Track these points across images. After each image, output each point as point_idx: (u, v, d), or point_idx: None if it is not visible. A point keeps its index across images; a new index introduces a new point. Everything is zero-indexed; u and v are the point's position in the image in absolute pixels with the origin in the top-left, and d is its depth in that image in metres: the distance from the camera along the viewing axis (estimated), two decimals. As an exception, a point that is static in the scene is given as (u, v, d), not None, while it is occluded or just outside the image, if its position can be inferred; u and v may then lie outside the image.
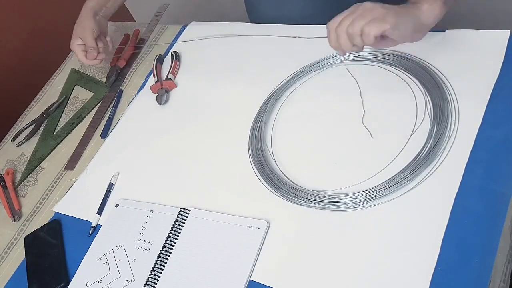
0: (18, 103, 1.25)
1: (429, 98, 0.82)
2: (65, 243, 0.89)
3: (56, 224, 0.92)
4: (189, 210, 0.83)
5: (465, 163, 0.73)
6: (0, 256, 0.93)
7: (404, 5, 0.78)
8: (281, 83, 0.95)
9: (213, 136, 0.94)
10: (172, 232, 0.82)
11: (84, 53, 1.08)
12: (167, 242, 0.81)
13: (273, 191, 0.81)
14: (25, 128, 1.15)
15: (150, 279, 0.78)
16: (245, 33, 1.10)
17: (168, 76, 1.07)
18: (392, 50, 0.90)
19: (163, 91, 1.05)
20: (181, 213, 0.83)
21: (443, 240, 0.67)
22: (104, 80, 1.18)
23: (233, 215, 0.80)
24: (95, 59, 1.09)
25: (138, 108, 1.07)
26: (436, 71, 0.85)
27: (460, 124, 0.78)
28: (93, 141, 1.05)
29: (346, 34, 0.75)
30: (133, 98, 1.10)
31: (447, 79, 0.83)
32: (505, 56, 0.82)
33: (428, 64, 0.86)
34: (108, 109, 1.10)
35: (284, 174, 0.83)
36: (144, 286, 0.77)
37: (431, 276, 0.65)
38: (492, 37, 0.86)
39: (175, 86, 1.07)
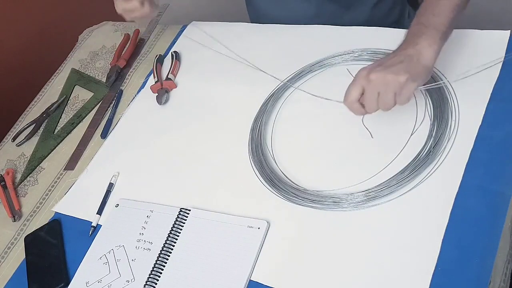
0: (18, 103, 1.25)
1: (429, 98, 0.83)
2: (65, 243, 0.89)
3: (56, 224, 0.92)
4: (189, 210, 0.83)
5: (465, 163, 0.73)
6: (0, 256, 0.93)
7: (401, 51, 0.74)
8: (281, 83, 0.95)
9: (213, 136, 0.94)
10: (172, 232, 0.82)
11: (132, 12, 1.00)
12: (167, 242, 0.81)
13: (273, 191, 0.81)
14: (25, 128, 1.15)
15: (150, 279, 0.78)
16: (245, 33, 1.10)
17: (168, 76, 1.07)
18: (392, 50, 0.89)
19: (163, 91, 1.05)
20: (181, 213, 0.83)
21: (443, 240, 0.67)
22: (104, 80, 1.18)
23: (233, 215, 0.80)
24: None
25: (138, 108, 1.07)
26: (436, 71, 0.85)
27: (460, 124, 0.78)
28: (93, 141, 1.05)
29: (377, 108, 0.74)
30: (133, 98, 1.10)
31: (447, 79, 0.83)
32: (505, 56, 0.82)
33: (428, 64, 0.86)
34: (108, 109, 1.10)
35: (284, 174, 0.83)
36: (144, 286, 0.77)
37: (431, 276, 0.65)
38: (492, 37, 0.86)
39: (175, 86, 1.07)
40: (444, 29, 0.75)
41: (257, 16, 1.19)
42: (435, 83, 0.78)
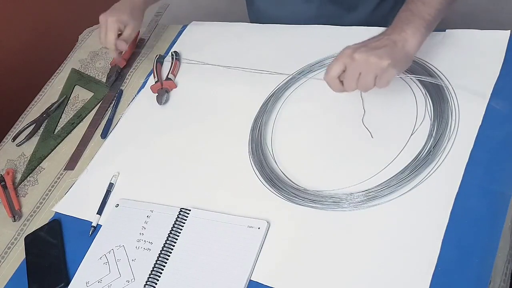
0: (18, 103, 1.25)
1: (429, 98, 0.83)
2: (65, 243, 0.89)
3: (56, 224, 0.92)
4: (189, 210, 0.83)
5: (465, 163, 0.73)
6: (0, 256, 0.93)
7: (387, 35, 0.76)
8: (281, 83, 0.95)
9: (213, 136, 0.94)
10: (172, 232, 0.82)
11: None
12: (167, 242, 0.81)
13: (273, 191, 0.81)
14: (25, 128, 1.15)
15: (150, 279, 0.78)
16: (245, 33, 1.10)
17: (168, 76, 1.07)
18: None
19: (163, 91, 1.05)
20: (181, 213, 0.83)
21: (443, 240, 0.67)
22: (104, 80, 1.18)
23: (233, 215, 0.80)
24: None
25: (138, 108, 1.07)
26: (436, 71, 0.85)
27: (460, 124, 0.78)
28: (93, 141, 1.05)
29: (356, 88, 0.75)
30: (133, 98, 1.10)
31: (447, 79, 0.83)
32: (505, 56, 0.83)
33: (428, 64, 0.86)
34: (108, 109, 1.10)
35: (284, 174, 0.83)
36: (144, 286, 0.77)
37: (431, 276, 0.65)
38: (492, 37, 0.86)
39: (175, 86, 1.07)
40: (430, 18, 0.77)
41: (257, 16, 1.19)
42: (432, 79, 0.78)
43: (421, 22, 0.76)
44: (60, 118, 1.14)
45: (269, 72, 0.95)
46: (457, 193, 0.71)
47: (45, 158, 1.07)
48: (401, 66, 0.75)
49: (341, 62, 0.75)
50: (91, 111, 1.12)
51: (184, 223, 0.82)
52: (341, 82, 0.76)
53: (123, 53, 1.11)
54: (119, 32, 1.04)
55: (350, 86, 0.76)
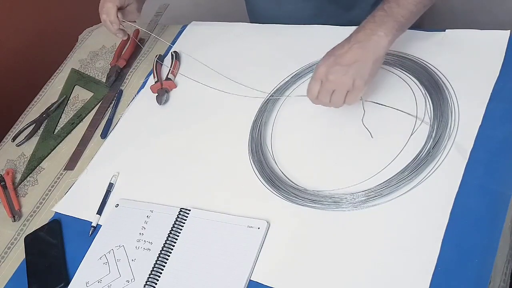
0: (18, 103, 1.25)
1: (429, 98, 0.83)
2: (65, 243, 0.89)
3: (56, 224, 0.92)
4: (189, 210, 0.83)
5: (465, 163, 0.73)
6: (0, 256, 0.93)
7: (360, 37, 0.78)
8: (281, 83, 0.95)
9: (213, 136, 0.94)
10: (172, 232, 0.82)
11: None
12: (167, 242, 0.81)
13: (273, 191, 0.81)
14: (25, 128, 1.15)
15: (150, 279, 0.78)
16: (245, 33, 1.10)
17: (168, 76, 1.07)
18: (392, 50, 0.90)
19: (163, 91, 1.05)
20: (181, 213, 0.83)
21: (443, 240, 0.67)
22: (104, 80, 1.18)
23: (233, 215, 0.80)
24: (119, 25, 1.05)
25: (138, 108, 1.07)
26: (436, 71, 0.85)
27: (460, 124, 0.78)
28: (93, 141, 1.05)
29: (328, 105, 0.81)
30: (133, 98, 1.10)
31: (447, 79, 0.83)
32: (505, 56, 0.82)
33: (428, 64, 0.86)
34: (108, 109, 1.10)
35: (284, 174, 0.83)
36: (144, 286, 0.77)
37: (431, 276, 0.65)
38: (492, 37, 0.86)
39: (175, 86, 1.07)
40: (403, 20, 0.79)
41: (256, 16, 1.19)
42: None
43: (393, 24, 0.78)
44: (60, 118, 1.14)
45: (257, 90, 0.96)
46: (457, 193, 0.71)
47: (45, 158, 1.07)
48: (372, 75, 0.78)
49: (318, 81, 0.79)
50: (91, 111, 1.12)
51: (184, 223, 0.82)
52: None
53: (127, 31, 1.08)
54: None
55: (323, 102, 0.81)
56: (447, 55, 0.87)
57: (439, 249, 0.67)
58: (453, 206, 0.70)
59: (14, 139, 1.14)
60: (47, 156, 1.07)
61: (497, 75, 0.81)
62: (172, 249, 0.80)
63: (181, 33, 1.18)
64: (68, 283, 0.83)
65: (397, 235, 0.70)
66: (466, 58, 0.85)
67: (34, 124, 1.14)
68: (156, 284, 0.77)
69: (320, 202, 0.77)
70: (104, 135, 1.05)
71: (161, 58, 1.13)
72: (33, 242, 0.91)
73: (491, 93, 0.79)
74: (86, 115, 1.12)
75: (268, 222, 0.77)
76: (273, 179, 0.82)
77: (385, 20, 0.78)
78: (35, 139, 1.12)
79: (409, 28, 0.94)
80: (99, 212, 0.90)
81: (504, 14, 1.58)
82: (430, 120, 0.80)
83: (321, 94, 0.79)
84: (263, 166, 0.84)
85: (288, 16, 1.08)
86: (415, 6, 0.79)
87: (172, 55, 1.12)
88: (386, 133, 0.81)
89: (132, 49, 1.20)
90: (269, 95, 0.94)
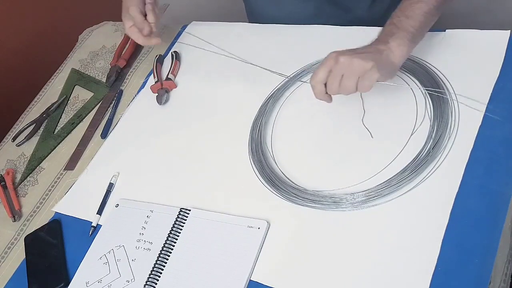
0: (18, 103, 1.25)
1: (429, 98, 0.83)
2: (65, 243, 0.89)
3: (56, 224, 0.92)
4: (189, 210, 0.83)
5: (465, 163, 0.73)
6: (0, 256, 0.93)
7: (373, 45, 0.78)
8: (281, 83, 0.95)
9: (213, 136, 0.94)
10: (172, 232, 0.82)
11: (139, 33, 1.00)
12: (167, 242, 0.81)
13: (273, 191, 0.81)
14: (25, 128, 1.15)
15: (150, 279, 0.78)
16: (245, 33, 1.10)
17: (168, 76, 1.07)
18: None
19: (163, 91, 1.05)
20: (181, 213, 0.83)
21: (443, 240, 0.67)
22: (104, 80, 1.18)
23: (233, 215, 0.80)
24: (151, 38, 1.01)
25: (138, 108, 1.07)
26: (436, 71, 0.85)
27: (460, 124, 0.78)
28: (93, 141, 1.05)
29: (338, 91, 0.77)
30: (133, 98, 1.10)
31: (447, 79, 0.83)
32: (505, 56, 0.82)
33: (428, 64, 0.86)
34: (108, 109, 1.10)
35: (284, 174, 0.83)
36: (144, 286, 0.77)
37: (431, 276, 0.65)
38: (492, 37, 0.86)
39: (175, 86, 1.07)
40: (413, 31, 0.78)
41: (255, 16, 1.19)
42: (436, 90, 0.78)
43: (405, 34, 0.77)
44: (60, 118, 1.14)
45: (272, 71, 0.95)
46: (457, 193, 0.71)
47: (45, 158, 1.07)
48: (385, 73, 0.76)
49: (326, 66, 0.76)
50: (91, 111, 1.12)
51: (184, 223, 0.82)
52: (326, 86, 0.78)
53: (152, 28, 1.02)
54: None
55: (332, 88, 0.77)
56: (447, 55, 0.87)
57: (439, 249, 0.67)
58: (453, 206, 0.70)
59: (14, 139, 1.14)
60: (47, 156, 1.07)
61: (497, 75, 0.81)
62: (172, 249, 0.80)
63: (181, 33, 1.18)
64: (68, 283, 0.83)
65: (397, 235, 0.70)
66: (466, 58, 0.85)
67: (34, 124, 1.14)
68: (156, 284, 0.77)
69: (320, 202, 0.77)
70: (104, 135, 1.05)
71: (161, 58, 1.13)
72: (33, 242, 0.91)
73: (491, 93, 0.79)
74: (86, 115, 1.12)
75: (268, 222, 0.77)
76: (273, 179, 0.82)
77: (395, 32, 0.78)
78: (35, 139, 1.12)
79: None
80: (99, 212, 0.90)
81: (504, 14, 1.58)
82: (430, 120, 0.80)
83: (329, 79, 0.76)
84: (263, 166, 0.84)
85: (287, 16, 1.08)
86: (423, 16, 0.79)
87: (172, 55, 1.12)
88: (386, 133, 0.81)
89: (132, 49, 1.20)
90: (269, 95, 0.94)
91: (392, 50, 0.76)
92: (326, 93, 0.79)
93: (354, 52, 0.76)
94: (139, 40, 1.01)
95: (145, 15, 1.01)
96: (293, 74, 0.95)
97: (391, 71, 0.77)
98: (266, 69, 0.97)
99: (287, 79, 0.94)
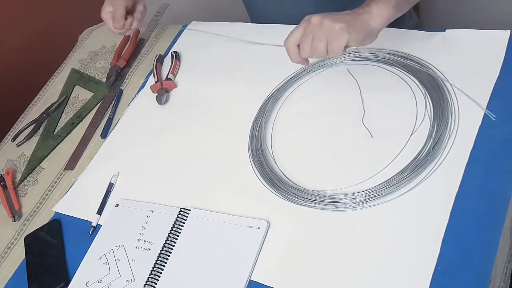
0: (18, 103, 1.25)
1: (429, 98, 0.83)
2: (65, 243, 0.89)
3: (56, 224, 0.92)
4: (189, 210, 0.83)
5: (465, 163, 0.73)
6: (0, 256, 0.93)
7: (353, 10, 0.78)
8: (281, 83, 0.95)
9: (213, 136, 0.94)
10: (172, 232, 0.82)
11: (111, 23, 1.04)
12: (167, 242, 0.81)
13: (273, 191, 0.81)
14: (25, 128, 1.15)
15: (150, 279, 0.78)
16: (245, 33, 1.10)
17: (168, 76, 1.07)
18: (392, 50, 0.90)
19: (163, 91, 1.05)
20: (181, 213, 0.83)
21: (443, 240, 0.67)
22: (104, 80, 1.18)
23: (233, 215, 0.80)
24: (122, 28, 1.04)
25: (138, 108, 1.07)
26: (436, 71, 0.85)
27: (460, 124, 0.78)
28: (93, 141, 1.05)
29: (310, 54, 0.77)
30: (133, 98, 1.10)
31: (447, 79, 0.83)
32: (505, 56, 0.82)
33: (428, 64, 0.86)
34: (108, 109, 1.10)
35: (284, 174, 0.83)
36: (144, 286, 0.77)
37: (431, 276, 0.65)
38: (492, 37, 0.86)
39: (175, 86, 1.07)
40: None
41: (255, 14, 1.18)
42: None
43: (389, 0, 0.77)
44: (60, 118, 1.14)
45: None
46: (457, 192, 0.71)
47: (45, 158, 1.07)
48: (358, 36, 0.74)
49: (301, 28, 0.76)
50: (91, 111, 1.12)
51: (184, 223, 0.82)
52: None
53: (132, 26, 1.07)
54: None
55: (304, 50, 0.76)
56: (447, 55, 0.87)
57: (439, 249, 0.67)
58: (453, 206, 0.70)
59: (14, 139, 1.14)
60: (47, 156, 1.07)
61: (497, 75, 0.81)
62: (172, 249, 0.80)
63: (181, 33, 1.18)
64: (68, 283, 0.83)
65: (397, 235, 0.70)
66: (466, 58, 0.85)
67: (34, 124, 1.14)
68: (156, 284, 0.77)
69: (320, 202, 0.77)
70: (104, 135, 1.05)
71: (161, 58, 1.13)
72: (33, 242, 0.91)
73: (491, 93, 0.79)
74: (86, 115, 1.12)
75: (268, 222, 0.77)
76: (273, 179, 0.82)
77: None
78: (35, 139, 1.12)
79: (409, 28, 0.95)
80: (99, 212, 0.90)
81: (504, 14, 1.58)
82: (430, 120, 0.80)
83: (302, 41, 0.76)
84: (263, 166, 0.84)
85: (286, 14, 1.07)
86: None
87: (172, 55, 1.12)
88: (386, 133, 0.81)
89: (132, 49, 1.20)
90: (269, 95, 0.94)
91: (371, 14, 0.76)
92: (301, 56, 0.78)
93: (328, 14, 0.75)
94: (109, 26, 1.04)
95: (127, 14, 1.04)
96: (293, 74, 0.95)
97: (366, 35, 0.76)
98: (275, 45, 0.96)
99: (289, 77, 0.94)
